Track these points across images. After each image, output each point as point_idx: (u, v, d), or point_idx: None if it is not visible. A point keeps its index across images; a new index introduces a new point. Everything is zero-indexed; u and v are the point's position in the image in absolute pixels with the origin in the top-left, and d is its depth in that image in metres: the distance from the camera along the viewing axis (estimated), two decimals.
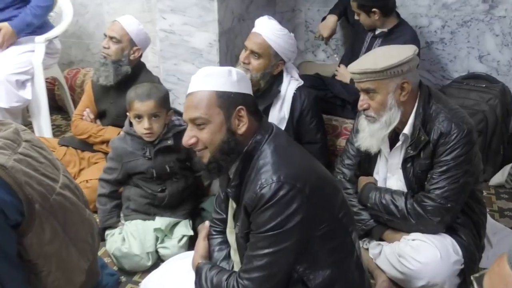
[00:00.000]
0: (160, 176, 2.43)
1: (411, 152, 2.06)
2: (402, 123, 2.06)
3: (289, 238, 1.53)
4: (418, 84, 2.07)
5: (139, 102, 2.33)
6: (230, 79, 1.61)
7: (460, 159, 1.97)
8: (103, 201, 2.48)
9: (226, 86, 1.60)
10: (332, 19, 3.31)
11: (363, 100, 2.06)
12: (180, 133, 2.43)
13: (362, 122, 2.13)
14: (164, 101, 2.39)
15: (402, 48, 2.11)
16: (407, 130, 2.07)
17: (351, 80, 3.08)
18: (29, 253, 1.57)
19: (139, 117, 2.35)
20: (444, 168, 1.99)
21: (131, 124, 2.43)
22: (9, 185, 1.47)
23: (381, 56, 2.02)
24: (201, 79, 1.62)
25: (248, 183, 1.59)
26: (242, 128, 1.61)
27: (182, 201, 2.51)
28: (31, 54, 3.37)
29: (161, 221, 2.42)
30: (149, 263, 2.34)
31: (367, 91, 2.03)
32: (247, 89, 1.67)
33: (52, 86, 3.98)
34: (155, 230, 2.40)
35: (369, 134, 2.09)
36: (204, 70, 1.65)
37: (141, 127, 2.36)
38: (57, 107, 4.08)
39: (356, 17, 3.13)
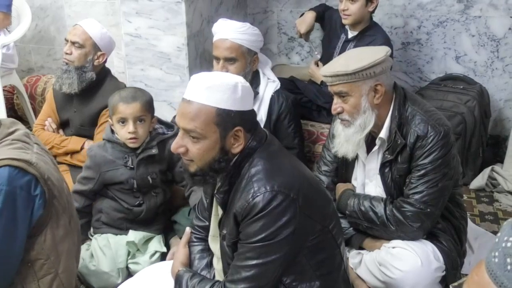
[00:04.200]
0: (140, 189, 2.41)
1: (388, 156, 2.10)
2: (378, 127, 2.11)
3: (279, 249, 1.54)
4: (393, 87, 2.12)
5: (124, 105, 2.32)
6: (234, 96, 1.56)
7: (438, 162, 2.02)
8: None
9: (228, 104, 1.55)
10: (310, 15, 3.31)
11: (336, 104, 2.09)
12: (164, 142, 2.44)
13: (338, 126, 2.16)
14: (149, 105, 2.39)
15: (374, 49, 2.16)
16: (383, 134, 2.11)
17: (322, 82, 3.12)
18: (41, 251, 1.70)
19: (123, 121, 2.34)
20: (422, 172, 2.03)
21: (112, 132, 2.41)
22: (36, 179, 1.64)
23: (353, 58, 2.06)
24: (202, 90, 1.55)
25: (238, 190, 1.59)
26: (236, 148, 1.60)
27: (156, 216, 2.50)
28: None
29: (134, 235, 2.41)
30: (119, 281, 2.33)
31: (340, 94, 2.07)
32: (249, 104, 1.63)
33: (10, 95, 3.93)
34: (128, 243, 2.39)
35: (344, 139, 2.12)
36: (208, 79, 1.58)
37: (125, 132, 2.34)
38: (16, 117, 4.01)
39: (343, 6, 3.00)
